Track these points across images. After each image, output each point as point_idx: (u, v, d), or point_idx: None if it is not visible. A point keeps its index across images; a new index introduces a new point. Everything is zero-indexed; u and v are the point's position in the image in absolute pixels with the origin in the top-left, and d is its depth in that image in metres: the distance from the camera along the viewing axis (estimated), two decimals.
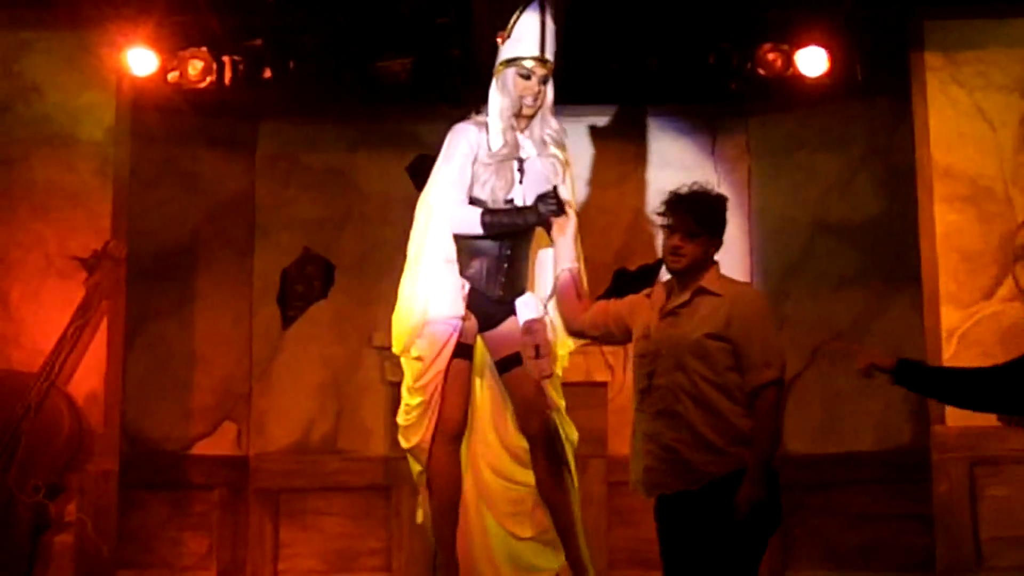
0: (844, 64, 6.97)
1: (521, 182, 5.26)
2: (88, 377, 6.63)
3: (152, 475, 7.26)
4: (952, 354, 6.59)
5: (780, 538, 7.41)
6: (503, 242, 5.23)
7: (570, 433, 5.32)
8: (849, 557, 7.26)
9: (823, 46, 6.89)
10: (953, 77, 6.80)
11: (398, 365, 7.33)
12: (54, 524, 6.49)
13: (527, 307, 5.25)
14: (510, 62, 5.27)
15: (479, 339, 5.31)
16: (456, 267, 5.24)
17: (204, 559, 7.43)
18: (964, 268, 6.66)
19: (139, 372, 7.32)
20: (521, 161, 5.28)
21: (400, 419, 5.27)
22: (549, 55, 5.26)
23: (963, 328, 6.61)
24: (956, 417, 6.49)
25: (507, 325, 5.26)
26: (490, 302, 5.24)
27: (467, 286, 5.20)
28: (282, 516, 7.55)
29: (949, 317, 6.63)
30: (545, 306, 5.28)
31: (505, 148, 5.24)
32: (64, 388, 6.53)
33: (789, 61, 6.94)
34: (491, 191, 5.21)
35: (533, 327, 5.16)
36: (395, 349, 5.37)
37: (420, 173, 7.74)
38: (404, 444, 5.26)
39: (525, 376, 5.20)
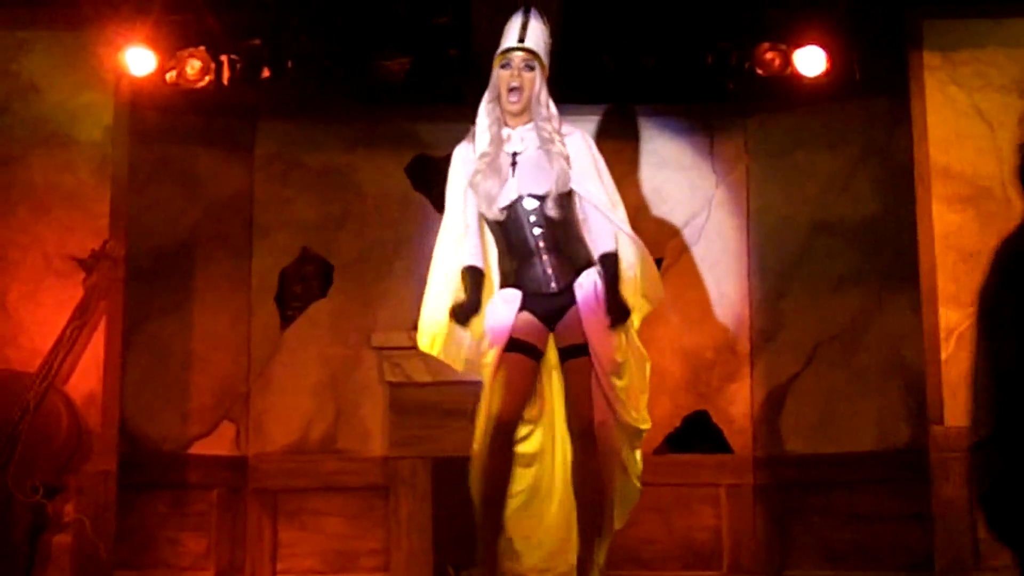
0: (842, 64, 6.96)
1: (514, 175, 5.23)
2: (86, 377, 6.61)
3: (150, 475, 7.25)
4: (950, 354, 6.59)
5: (778, 537, 7.43)
6: (529, 237, 5.20)
7: (639, 422, 5.26)
8: (847, 556, 7.27)
9: (821, 46, 6.88)
10: (951, 77, 6.80)
11: (397, 365, 7.43)
12: (52, 524, 6.48)
13: (582, 289, 5.20)
14: (496, 60, 5.31)
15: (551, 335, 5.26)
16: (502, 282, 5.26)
17: (202, 559, 7.42)
18: (962, 268, 6.65)
19: (137, 372, 7.32)
20: (515, 155, 5.25)
21: None
22: (531, 44, 5.25)
23: (961, 328, 6.59)
24: (955, 417, 6.50)
25: (571, 314, 5.20)
26: (549, 298, 5.19)
27: (519, 297, 5.17)
28: (280, 516, 7.54)
29: (947, 317, 6.62)
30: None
31: (491, 145, 5.23)
32: (62, 388, 6.51)
33: (787, 61, 6.93)
34: (485, 197, 5.18)
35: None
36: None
37: (419, 173, 7.79)
38: None
39: (578, 369, 5.16)
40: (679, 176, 7.90)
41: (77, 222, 6.76)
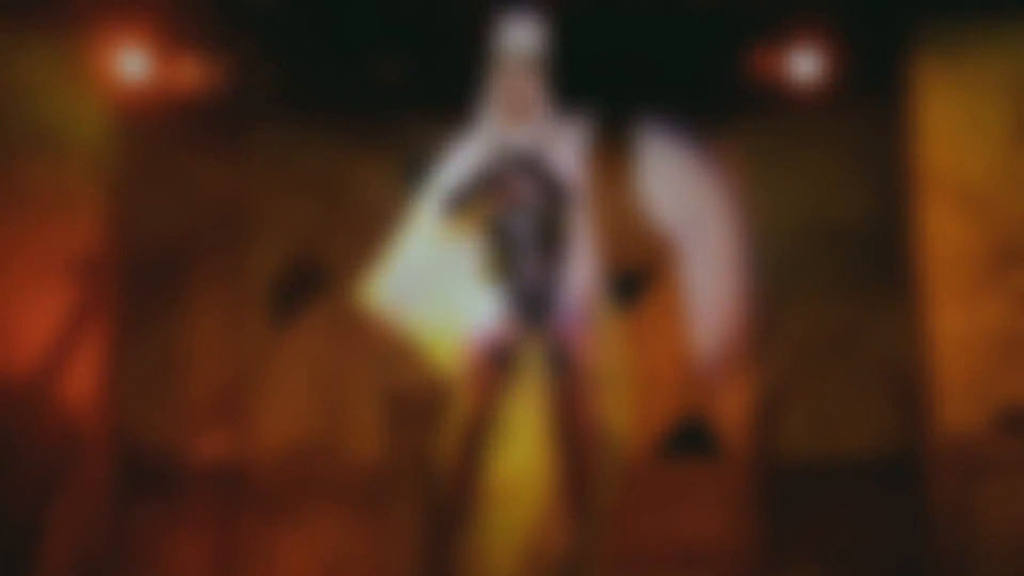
0: (837, 67, 6.98)
1: (529, 186, 5.26)
2: (81, 381, 6.61)
3: (145, 479, 7.25)
4: (945, 358, 6.60)
5: (773, 539, 7.44)
6: (526, 244, 5.23)
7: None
8: (843, 559, 7.28)
9: (816, 49, 6.90)
10: (946, 80, 6.81)
11: (391, 370, 7.41)
12: (47, 529, 6.48)
13: (562, 308, 5.23)
14: (500, 64, 5.30)
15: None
16: (492, 278, 5.25)
17: (197, 563, 7.43)
18: (958, 271, 6.67)
19: (132, 377, 7.31)
20: (528, 163, 5.28)
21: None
22: (536, 50, 5.27)
23: (956, 331, 6.62)
24: (951, 422, 6.51)
25: (551, 326, 5.23)
26: (532, 306, 5.22)
27: (505, 299, 5.19)
28: (276, 520, 7.56)
29: (943, 320, 6.64)
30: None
31: (502, 151, 5.25)
32: (57, 392, 6.51)
33: (783, 64, 6.95)
34: (508, 204, 5.21)
35: None
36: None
37: (415, 177, 7.78)
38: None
39: (566, 380, 5.18)
40: (673, 180, 7.89)
41: (71, 226, 6.75)
